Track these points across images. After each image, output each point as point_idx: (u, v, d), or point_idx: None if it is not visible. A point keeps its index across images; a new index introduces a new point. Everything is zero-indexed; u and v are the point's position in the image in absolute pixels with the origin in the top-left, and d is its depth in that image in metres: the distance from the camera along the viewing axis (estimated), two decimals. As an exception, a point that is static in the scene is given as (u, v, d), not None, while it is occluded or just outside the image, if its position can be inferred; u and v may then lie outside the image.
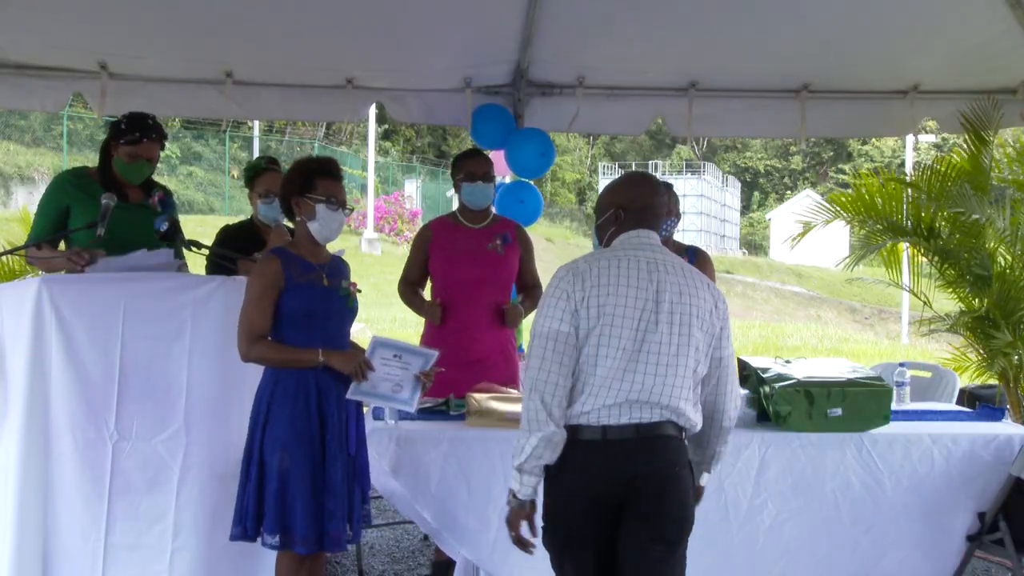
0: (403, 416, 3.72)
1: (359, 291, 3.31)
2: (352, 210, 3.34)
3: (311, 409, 3.12)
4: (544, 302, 2.73)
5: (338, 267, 3.31)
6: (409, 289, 4.36)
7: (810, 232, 6.31)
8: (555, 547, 2.76)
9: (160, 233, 3.58)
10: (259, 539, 3.13)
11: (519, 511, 2.74)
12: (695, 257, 4.47)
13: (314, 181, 3.20)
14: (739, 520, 3.69)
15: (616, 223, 2.85)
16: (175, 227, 3.63)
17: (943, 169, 5.73)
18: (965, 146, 5.66)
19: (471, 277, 4.21)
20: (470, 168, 4.28)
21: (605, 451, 2.69)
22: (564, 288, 2.70)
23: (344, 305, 3.25)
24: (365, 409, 3.50)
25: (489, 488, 3.58)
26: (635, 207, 2.84)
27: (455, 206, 4.48)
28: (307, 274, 3.18)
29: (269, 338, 3.17)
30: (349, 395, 3.16)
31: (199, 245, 3.76)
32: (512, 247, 4.33)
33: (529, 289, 4.36)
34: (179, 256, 3.86)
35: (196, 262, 3.99)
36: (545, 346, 2.67)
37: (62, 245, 3.82)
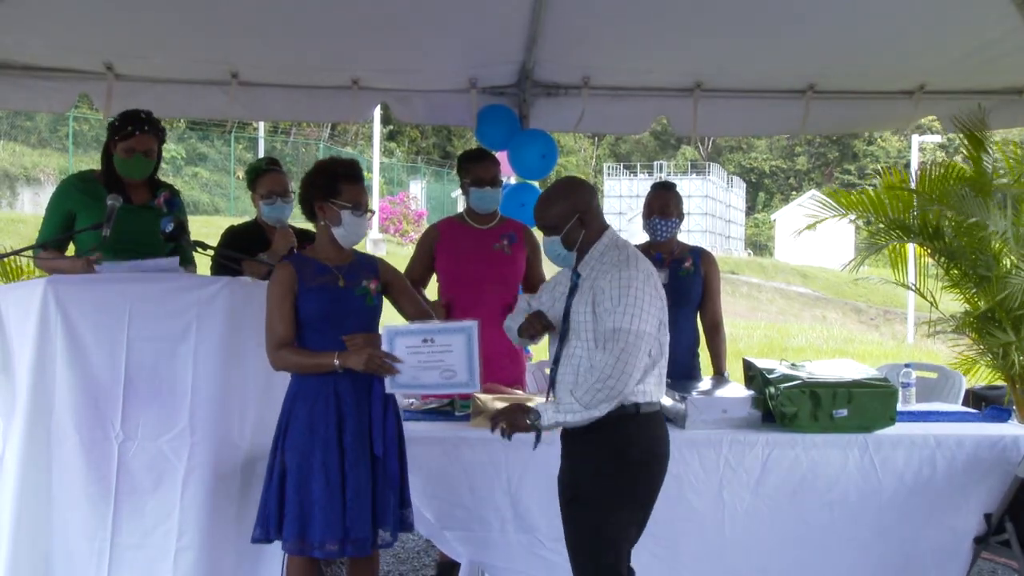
0: (407, 416, 3.72)
1: (378, 290, 3.28)
2: (373, 213, 3.32)
3: (329, 412, 3.12)
4: (639, 303, 2.89)
5: (361, 267, 3.29)
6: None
7: (817, 230, 6.30)
8: (618, 507, 2.98)
9: (165, 234, 3.58)
10: (279, 542, 3.12)
11: (530, 429, 2.93)
12: (700, 258, 4.47)
13: (339, 186, 3.19)
14: (738, 523, 3.67)
15: (583, 227, 3.03)
16: (181, 228, 3.63)
17: (945, 173, 5.72)
18: (964, 149, 5.66)
19: (477, 276, 4.23)
20: (478, 173, 4.29)
21: (662, 422, 3.10)
22: (653, 289, 2.94)
23: (362, 305, 3.23)
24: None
25: (492, 490, 3.58)
26: (592, 208, 3.06)
27: (460, 206, 4.50)
28: (320, 277, 3.18)
29: (295, 344, 3.17)
30: (388, 390, 3.12)
31: (204, 246, 3.76)
32: (519, 247, 4.35)
33: (536, 291, 4.35)
34: (186, 258, 3.88)
35: (201, 263, 4.00)
36: (640, 347, 2.88)
37: (71, 247, 3.84)
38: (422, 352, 3.09)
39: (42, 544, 3.19)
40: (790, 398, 3.69)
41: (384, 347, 3.11)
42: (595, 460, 2.98)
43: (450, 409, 3.92)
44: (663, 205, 4.37)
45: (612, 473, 2.97)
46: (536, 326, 3.13)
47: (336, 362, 3.09)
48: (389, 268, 3.41)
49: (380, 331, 3.17)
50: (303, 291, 3.14)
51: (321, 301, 3.15)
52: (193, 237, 3.81)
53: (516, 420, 2.95)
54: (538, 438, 3.02)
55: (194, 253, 3.86)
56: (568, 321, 3.04)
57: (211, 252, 3.82)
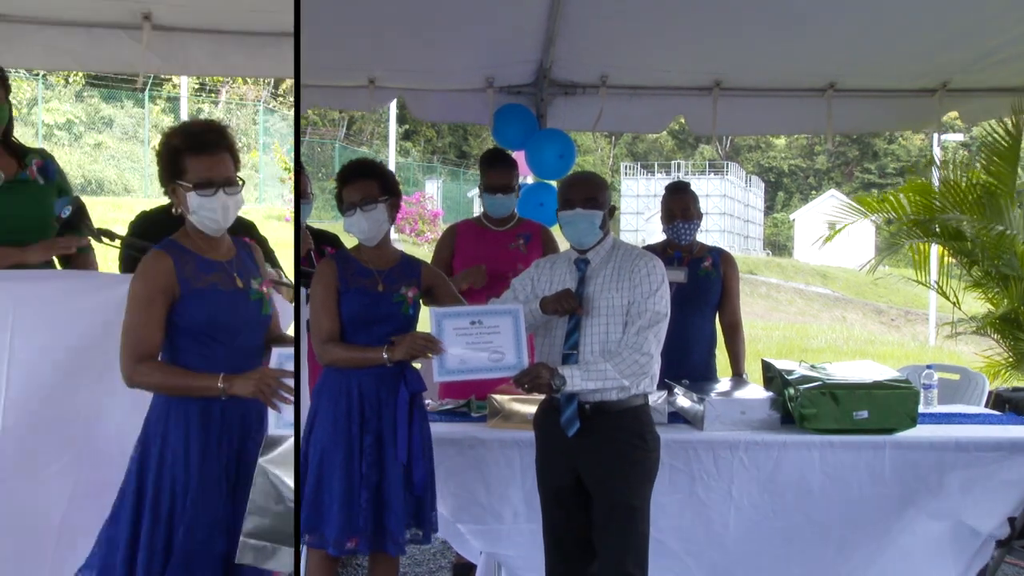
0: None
1: (416, 299, 3.25)
2: (388, 199, 3.22)
3: (352, 411, 3.13)
4: (665, 287, 3.09)
5: (403, 272, 3.27)
6: None
7: (838, 233, 6.27)
8: (647, 490, 3.15)
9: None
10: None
11: (550, 390, 3.00)
12: (719, 258, 4.43)
13: (342, 191, 3.23)
14: (749, 524, 3.63)
15: (610, 217, 3.22)
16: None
17: (969, 181, 5.69)
18: (1002, 143, 5.60)
19: (493, 276, 4.22)
20: (491, 180, 4.33)
21: None
22: None
23: (398, 312, 3.20)
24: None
25: (507, 491, 3.56)
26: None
27: (476, 205, 4.52)
28: (361, 279, 3.19)
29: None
30: (437, 378, 3.09)
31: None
32: (535, 247, 4.36)
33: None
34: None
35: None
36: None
37: None
38: (470, 334, 3.05)
39: None
40: (810, 399, 3.65)
41: (432, 330, 3.06)
42: (624, 444, 3.07)
43: (466, 410, 3.92)
44: (684, 208, 4.33)
45: (637, 456, 3.09)
46: (571, 302, 3.07)
47: (385, 356, 3.08)
48: (433, 272, 3.40)
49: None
50: (343, 290, 3.16)
51: (358, 304, 3.16)
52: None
53: (539, 378, 2.97)
54: (572, 422, 3.05)
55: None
56: (582, 304, 3.09)
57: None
